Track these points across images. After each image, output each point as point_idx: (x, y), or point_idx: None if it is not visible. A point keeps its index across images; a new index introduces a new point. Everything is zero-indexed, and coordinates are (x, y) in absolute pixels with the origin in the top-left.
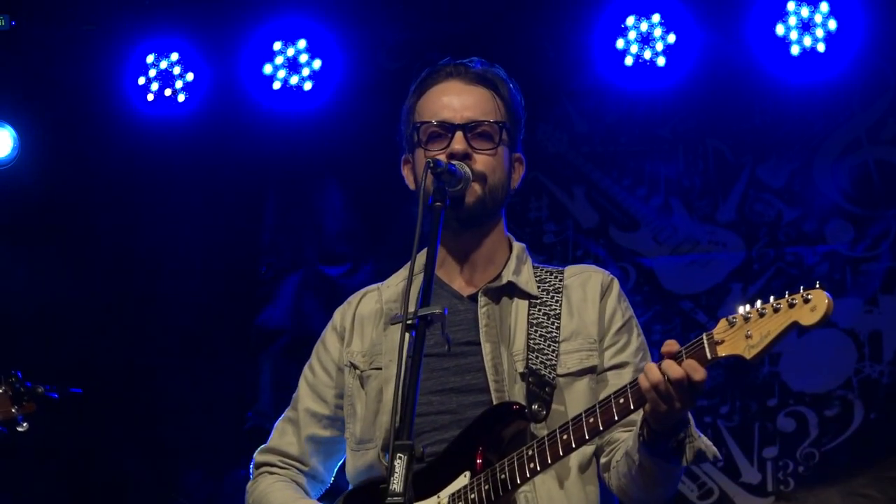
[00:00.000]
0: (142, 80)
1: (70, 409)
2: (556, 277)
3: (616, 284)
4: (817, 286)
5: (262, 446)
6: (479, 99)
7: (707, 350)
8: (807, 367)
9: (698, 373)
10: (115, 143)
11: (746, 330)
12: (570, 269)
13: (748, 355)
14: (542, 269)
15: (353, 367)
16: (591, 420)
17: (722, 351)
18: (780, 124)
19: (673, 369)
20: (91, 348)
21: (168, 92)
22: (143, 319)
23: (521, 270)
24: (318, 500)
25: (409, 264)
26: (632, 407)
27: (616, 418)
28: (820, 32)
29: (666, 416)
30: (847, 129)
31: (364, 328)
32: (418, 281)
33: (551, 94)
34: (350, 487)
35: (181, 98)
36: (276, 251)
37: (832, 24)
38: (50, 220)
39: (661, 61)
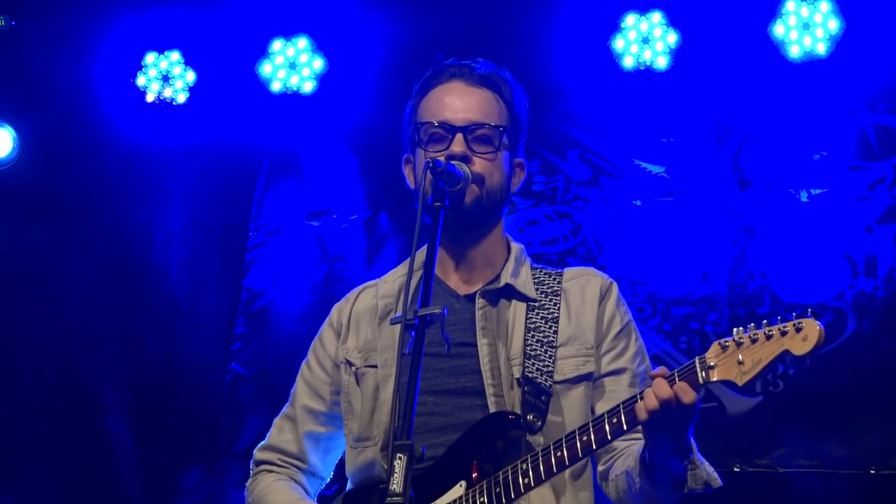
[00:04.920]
0: (141, 80)
1: (69, 410)
2: (554, 280)
3: (615, 288)
4: (809, 315)
5: (261, 443)
6: (481, 101)
7: (699, 374)
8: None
9: (688, 395)
10: (115, 143)
11: (738, 356)
12: (569, 272)
13: (739, 381)
14: (540, 271)
15: (349, 363)
16: (585, 438)
17: (714, 376)
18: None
19: (663, 389)
20: (91, 352)
21: (168, 92)
22: (144, 321)
23: (520, 272)
24: (318, 495)
25: (408, 261)
26: (625, 427)
27: (609, 437)
28: (820, 32)
29: (662, 440)
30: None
31: (360, 324)
32: (416, 279)
33: (548, 99)
34: (349, 486)
35: (181, 98)
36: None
37: (833, 24)
38: (49, 220)
39: (661, 62)
